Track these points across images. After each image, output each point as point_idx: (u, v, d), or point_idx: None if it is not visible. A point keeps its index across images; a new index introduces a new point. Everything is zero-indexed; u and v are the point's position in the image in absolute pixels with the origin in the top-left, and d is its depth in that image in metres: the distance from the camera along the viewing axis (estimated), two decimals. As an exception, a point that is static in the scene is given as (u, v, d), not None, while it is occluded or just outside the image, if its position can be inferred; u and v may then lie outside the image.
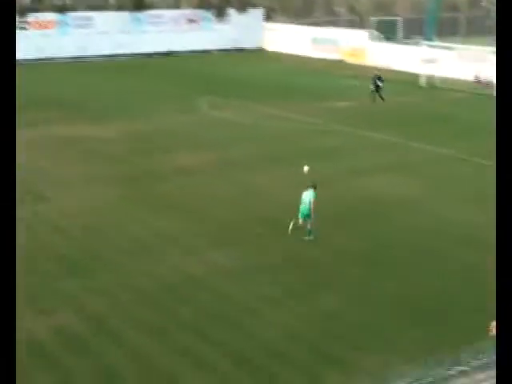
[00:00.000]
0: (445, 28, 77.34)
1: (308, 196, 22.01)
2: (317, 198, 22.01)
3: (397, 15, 78.93)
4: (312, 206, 21.87)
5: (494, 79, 48.18)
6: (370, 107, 43.60)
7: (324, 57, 63.41)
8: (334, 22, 76.19)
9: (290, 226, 22.25)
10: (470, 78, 49.76)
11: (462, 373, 14.44)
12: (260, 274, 20.01)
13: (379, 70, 46.50)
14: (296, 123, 38.50)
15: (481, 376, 14.43)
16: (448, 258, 21.20)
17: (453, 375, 14.35)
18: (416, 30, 70.54)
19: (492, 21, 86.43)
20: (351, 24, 76.14)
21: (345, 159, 31.52)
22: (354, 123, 38.41)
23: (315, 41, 65.72)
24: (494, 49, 49.77)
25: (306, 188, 22.19)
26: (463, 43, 62.40)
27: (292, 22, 72.39)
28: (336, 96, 46.83)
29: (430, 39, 60.60)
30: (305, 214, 22.08)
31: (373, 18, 72.98)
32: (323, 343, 16.42)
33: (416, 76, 51.29)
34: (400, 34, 72.65)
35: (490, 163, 31.04)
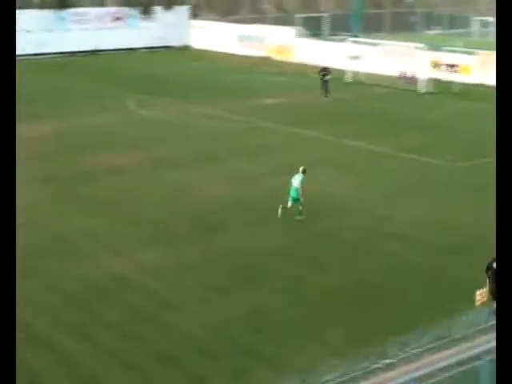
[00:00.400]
0: (370, 24, 78.27)
1: (297, 180, 23.47)
2: (305, 182, 23.57)
3: (323, 12, 79.55)
4: (301, 190, 23.36)
5: (418, 74, 49.04)
6: (298, 104, 43.78)
7: (251, 54, 63.48)
8: (261, 19, 76.35)
9: (279, 211, 23.55)
10: (395, 73, 50.37)
11: (389, 365, 14.63)
12: (190, 272, 19.93)
13: (324, 66, 46.80)
14: (225, 121, 38.49)
15: (407, 368, 14.65)
16: (380, 253, 21.43)
17: (379, 368, 14.53)
18: (342, 26, 71.24)
19: (416, 16, 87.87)
20: (278, 21, 76.37)
21: (275, 156, 31.60)
22: (282, 120, 38.54)
23: (242, 38, 65.74)
24: (419, 44, 50.61)
25: (297, 172, 23.70)
26: (388, 39, 63.21)
27: (218, 20, 72.31)
28: (264, 93, 46.92)
29: (355, 35, 61.30)
30: (294, 197, 23.41)
31: (299, 15, 73.39)
32: (252, 340, 16.44)
33: (342, 72, 51.67)
34: (326, 30, 73.27)
35: (418, 157, 31.58)
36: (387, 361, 14.61)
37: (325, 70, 45.52)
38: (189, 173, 29.13)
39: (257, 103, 43.76)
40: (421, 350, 14.81)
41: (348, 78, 50.97)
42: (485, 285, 16.32)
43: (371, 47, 54.11)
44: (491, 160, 30.74)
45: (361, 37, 61.53)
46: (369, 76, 50.21)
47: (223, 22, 70.68)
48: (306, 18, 71.78)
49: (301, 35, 64.35)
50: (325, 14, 76.54)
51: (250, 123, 38.04)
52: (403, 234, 22.87)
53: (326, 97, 44.73)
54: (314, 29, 68.47)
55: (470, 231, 23.08)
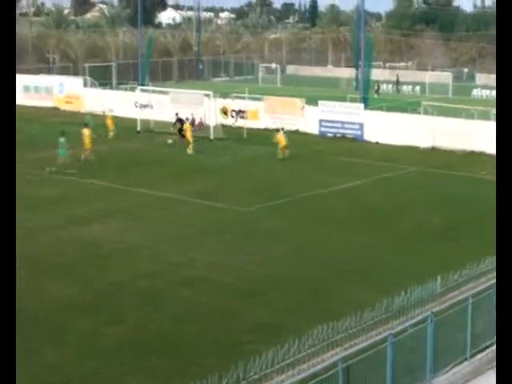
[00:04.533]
0: (158, 72, 79.24)
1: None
2: None
3: (110, 61, 79.67)
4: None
5: (208, 121, 50.00)
6: (91, 153, 43.19)
7: (38, 105, 62.24)
8: (47, 69, 75.32)
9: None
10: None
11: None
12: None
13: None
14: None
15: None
16: (175, 299, 21.45)
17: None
18: (130, 74, 71.62)
19: (203, 64, 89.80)
20: (65, 71, 75.71)
21: (67, 208, 31.04)
22: (74, 171, 37.87)
23: (26, 89, 64.29)
24: (207, 91, 51.61)
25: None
26: (176, 87, 64.18)
27: None
28: (55, 144, 45.86)
29: (144, 84, 61.68)
30: None
31: (86, 65, 73.08)
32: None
33: (133, 121, 51.78)
34: (114, 79, 73.40)
35: (209, 203, 32.05)
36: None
37: (179, 121, 47.02)
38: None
39: (46, 155, 42.67)
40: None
41: (138, 127, 51.02)
42: None
43: (160, 95, 54.64)
44: (280, 202, 31.99)
45: (149, 85, 62.00)
46: (158, 124, 50.55)
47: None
48: (93, 67, 71.63)
49: (89, 85, 64.13)
50: (112, 63, 76.73)
51: (42, 176, 37.18)
52: (195, 278, 23.02)
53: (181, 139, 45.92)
54: (101, 78, 68.43)
55: (266, 273, 23.66)
